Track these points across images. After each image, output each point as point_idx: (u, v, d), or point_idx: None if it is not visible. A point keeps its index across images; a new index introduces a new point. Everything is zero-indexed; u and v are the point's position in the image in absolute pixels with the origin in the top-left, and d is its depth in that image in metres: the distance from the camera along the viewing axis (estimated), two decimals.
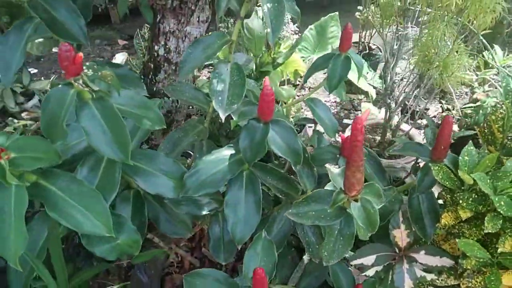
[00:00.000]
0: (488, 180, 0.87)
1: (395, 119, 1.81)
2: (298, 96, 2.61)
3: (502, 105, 1.03)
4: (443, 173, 0.92)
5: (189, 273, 0.90)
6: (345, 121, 2.22)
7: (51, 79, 2.44)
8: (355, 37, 2.60)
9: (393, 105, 1.70)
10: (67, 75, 0.64)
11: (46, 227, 0.82)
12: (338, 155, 0.99)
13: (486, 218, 0.87)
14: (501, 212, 0.85)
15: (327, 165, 0.85)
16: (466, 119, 1.80)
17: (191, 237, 1.53)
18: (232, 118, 0.92)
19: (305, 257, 1.33)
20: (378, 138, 1.82)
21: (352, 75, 2.23)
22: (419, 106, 2.06)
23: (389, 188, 1.05)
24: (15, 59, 0.93)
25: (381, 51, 2.60)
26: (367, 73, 2.30)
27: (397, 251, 1.07)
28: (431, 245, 1.07)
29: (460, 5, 1.23)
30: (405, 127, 1.81)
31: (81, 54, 0.62)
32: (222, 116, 0.88)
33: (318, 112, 1.08)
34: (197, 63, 0.92)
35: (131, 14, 3.38)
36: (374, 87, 2.23)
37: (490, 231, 0.85)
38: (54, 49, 2.21)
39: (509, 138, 0.97)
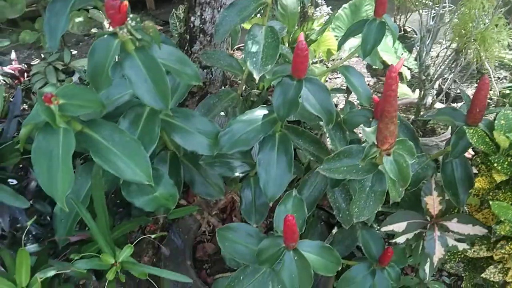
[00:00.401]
0: None
1: (429, 99, 1.78)
2: (330, 79, 2.61)
3: None
4: (478, 136, 0.91)
5: (221, 227, 0.94)
6: None
7: None
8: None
9: (427, 83, 1.67)
10: (112, 23, 0.68)
11: (90, 178, 0.87)
12: (371, 119, 1.00)
13: None
14: None
15: (361, 126, 0.86)
16: (504, 99, 1.74)
17: (223, 208, 1.57)
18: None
19: (334, 230, 1.34)
20: (412, 117, 1.80)
21: (388, 57, 2.21)
22: (455, 90, 2.02)
23: (422, 154, 1.05)
24: (61, 24, 0.97)
25: (416, 34, 2.55)
26: (402, 54, 2.26)
27: (428, 219, 1.07)
28: (463, 214, 1.06)
29: None
30: (439, 106, 1.77)
31: (126, 2, 0.66)
32: (256, 76, 0.90)
33: (351, 80, 1.09)
34: (232, 25, 0.95)
35: (166, 1, 3.45)
36: (409, 68, 2.20)
37: None
38: (93, 30, 2.29)
39: None
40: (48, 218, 0.98)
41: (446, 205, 1.06)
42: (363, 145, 0.81)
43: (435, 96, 1.97)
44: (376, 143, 0.76)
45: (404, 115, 1.83)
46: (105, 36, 0.71)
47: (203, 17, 1.27)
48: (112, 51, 0.71)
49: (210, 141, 0.93)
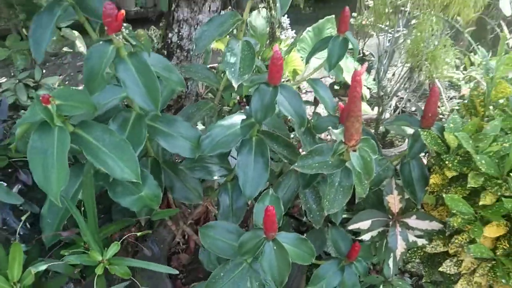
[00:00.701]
0: (471, 142, 0.98)
1: (387, 115, 1.94)
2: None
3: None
4: (431, 138, 1.03)
5: (203, 226, 1.00)
6: None
7: (60, 77, 2.56)
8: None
9: (385, 100, 1.82)
10: (109, 30, 0.75)
11: (78, 179, 0.92)
12: (337, 124, 1.10)
13: (469, 175, 0.98)
14: (482, 169, 0.96)
15: (329, 128, 0.96)
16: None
17: (197, 219, 1.62)
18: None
19: (305, 235, 1.42)
20: (372, 131, 1.94)
21: (349, 77, 2.37)
22: (409, 107, 2.20)
23: (382, 158, 1.16)
24: (46, 36, 1.03)
25: (373, 57, 2.75)
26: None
27: (390, 216, 1.18)
28: (421, 211, 1.18)
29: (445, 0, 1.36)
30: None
31: (123, 11, 0.73)
32: (235, 85, 0.99)
33: (319, 91, 1.20)
34: (211, 39, 1.04)
35: (139, 22, 3.53)
36: (368, 88, 2.37)
37: (473, 186, 0.96)
38: (64, 49, 2.32)
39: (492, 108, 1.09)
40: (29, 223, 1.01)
41: (405, 203, 1.17)
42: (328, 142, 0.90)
43: (392, 112, 2.13)
44: (343, 140, 0.86)
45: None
46: (101, 42, 0.78)
47: (180, 33, 1.36)
48: (107, 56, 0.77)
49: (192, 145, 1.00)
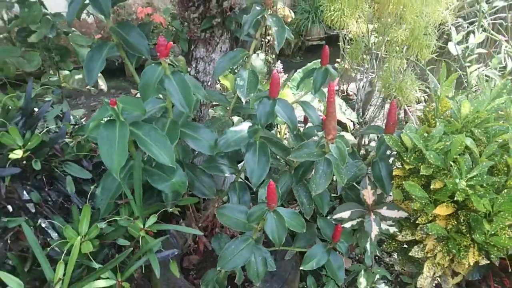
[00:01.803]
0: (421, 141, 1.30)
1: (366, 140, 2.27)
2: None
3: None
4: (393, 141, 1.36)
5: (219, 207, 1.28)
6: None
7: (83, 110, 2.90)
8: (336, 86, 3.15)
9: (364, 126, 2.16)
10: (160, 56, 1.08)
11: (129, 165, 1.22)
12: (321, 131, 1.42)
13: (421, 167, 1.29)
14: (431, 162, 1.28)
15: (315, 131, 1.28)
16: None
17: (206, 226, 1.89)
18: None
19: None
20: None
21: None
22: None
23: (358, 160, 1.48)
24: (96, 68, 1.37)
25: (356, 96, 3.15)
26: (345, 110, 2.81)
27: (366, 208, 1.47)
28: (391, 203, 1.47)
29: (406, 42, 1.75)
30: (373, 144, 2.26)
31: (171, 43, 1.07)
32: (244, 100, 1.32)
33: (308, 111, 1.53)
34: (227, 67, 1.39)
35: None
36: (352, 121, 2.73)
37: (424, 174, 1.27)
38: (87, 87, 2.67)
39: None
40: None
41: (377, 197, 1.47)
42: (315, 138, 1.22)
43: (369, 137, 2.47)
44: (324, 135, 1.18)
45: None
46: (153, 64, 1.12)
47: (197, 68, 1.71)
48: (157, 74, 1.11)
49: (211, 145, 1.31)
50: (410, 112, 2.30)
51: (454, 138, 1.26)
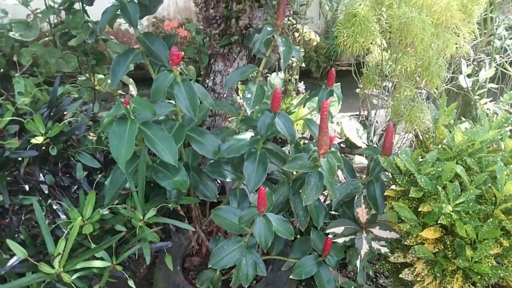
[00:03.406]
0: (414, 165, 1.35)
1: None
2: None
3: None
4: (387, 163, 1.41)
5: (215, 208, 1.37)
6: None
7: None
8: (357, 111, 3.22)
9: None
10: (172, 64, 1.20)
11: (136, 163, 1.33)
12: None
13: (412, 189, 1.33)
14: (422, 185, 1.32)
15: (310, 145, 1.36)
16: None
17: (210, 231, 1.98)
18: None
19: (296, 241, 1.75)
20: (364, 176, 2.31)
21: (351, 134, 2.81)
22: None
23: (356, 179, 1.53)
24: (121, 72, 1.50)
25: (377, 123, 3.19)
26: (362, 134, 2.86)
27: (359, 225, 1.52)
28: (383, 223, 1.51)
29: (416, 71, 1.80)
30: None
31: (182, 53, 1.19)
32: (249, 111, 1.43)
33: (311, 127, 1.61)
34: (236, 81, 1.50)
35: None
36: (367, 145, 2.77)
37: (414, 196, 1.31)
38: (119, 91, 2.86)
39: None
40: None
41: (371, 216, 1.52)
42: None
43: None
44: (316, 149, 1.25)
45: (359, 175, 2.34)
46: (165, 71, 1.24)
47: (215, 80, 1.83)
48: (168, 79, 1.23)
49: (215, 150, 1.41)
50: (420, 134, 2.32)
51: (445, 164, 1.30)
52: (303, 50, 2.81)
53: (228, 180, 1.52)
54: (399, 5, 1.70)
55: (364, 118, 3.16)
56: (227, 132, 1.65)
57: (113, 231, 1.24)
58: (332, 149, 1.30)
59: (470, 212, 1.24)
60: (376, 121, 2.35)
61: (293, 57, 2.83)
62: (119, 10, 1.46)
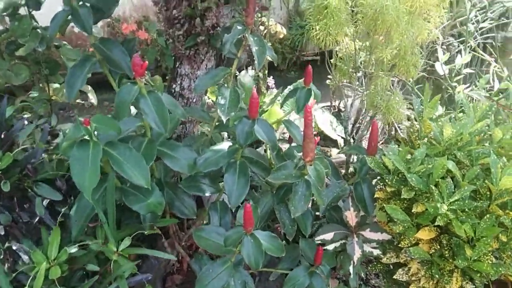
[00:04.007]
0: (403, 163, 1.28)
1: (355, 158, 2.25)
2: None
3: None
4: (375, 162, 1.33)
5: (196, 228, 1.26)
6: None
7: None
8: (328, 102, 3.15)
9: (353, 143, 2.15)
10: (136, 75, 1.06)
11: (104, 186, 1.19)
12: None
13: (403, 190, 1.27)
14: (413, 184, 1.25)
15: (294, 151, 1.26)
16: None
17: (190, 245, 1.86)
18: None
19: None
20: (343, 171, 2.24)
21: (325, 127, 2.74)
22: None
23: (341, 181, 1.45)
24: (77, 84, 1.35)
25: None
26: (336, 127, 2.80)
27: (349, 229, 1.44)
28: (374, 225, 1.44)
29: (392, 61, 1.74)
30: None
31: (146, 62, 1.06)
32: (224, 119, 1.31)
33: (291, 130, 1.51)
34: (207, 86, 1.37)
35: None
36: (342, 137, 2.71)
37: (405, 198, 1.24)
38: (78, 100, 2.66)
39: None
40: None
41: (360, 218, 1.44)
42: (294, 161, 1.20)
43: None
44: (302, 157, 1.16)
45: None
46: (128, 83, 1.10)
47: (182, 85, 1.70)
48: (132, 93, 1.09)
49: (190, 164, 1.29)
50: (400, 129, 2.29)
51: (436, 161, 1.24)
52: (270, 44, 2.69)
53: (207, 194, 1.40)
54: None
55: (337, 110, 3.10)
56: (202, 141, 1.52)
57: (85, 270, 1.10)
58: (317, 154, 1.21)
59: (466, 210, 1.19)
60: (351, 114, 2.29)
61: None
62: (70, 15, 1.30)
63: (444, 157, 1.22)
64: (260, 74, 2.77)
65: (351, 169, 2.25)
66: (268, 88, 2.95)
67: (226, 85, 1.41)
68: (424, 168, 1.27)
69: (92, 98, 2.59)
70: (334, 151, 2.70)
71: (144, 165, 1.13)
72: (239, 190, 1.28)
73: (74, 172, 1.05)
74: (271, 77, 3.01)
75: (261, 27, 2.70)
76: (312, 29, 1.67)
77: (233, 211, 1.30)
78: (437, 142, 1.31)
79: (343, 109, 3.23)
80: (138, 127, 1.23)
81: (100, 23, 3.41)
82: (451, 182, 1.22)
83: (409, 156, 1.34)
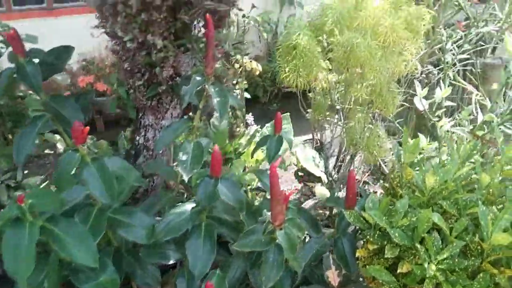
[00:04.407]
0: (384, 217, 1.16)
1: (341, 194, 2.13)
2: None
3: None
4: (354, 217, 1.21)
5: None
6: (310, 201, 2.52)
7: (41, 177, 2.73)
8: (310, 135, 3.05)
9: (336, 183, 2.03)
10: (76, 142, 0.95)
11: (46, 266, 1.05)
12: None
13: (386, 247, 1.14)
14: (397, 241, 1.13)
15: (264, 211, 1.14)
16: None
17: None
18: None
19: None
20: (327, 212, 2.11)
21: (308, 164, 2.63)
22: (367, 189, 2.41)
23: (320, 236, 1.32)
24: (26, 147, 1.23)
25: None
26: (319, 162, 2.68)
27: None
28: (359, 283, 1.31)
29: (369, 99, 1.64)
30: None
31: (87, 128, 0.94)
32: (186, 178, 1.18)
33: (264, 181, 1.39)
34: (169, 141, 1.26)
35: (112, 124, 3.83)
36: (326, 174, 2.59)
37: (389, 256, 1.12)
38: (46, 150, 2.52)
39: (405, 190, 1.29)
40: None
41: (343, 277, 1.31)
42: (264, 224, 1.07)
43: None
44: (271, 221, 1.03)
45: (322, 211, 2.15)
46: (70, 151, 0.98)
47: (146, 136, 1.58)
48: (74, 162, 0.97)
49: (148, 232, 1.16)
50: (384, 164, 2.17)
51: (420, 213, 1.12)
52: (246, 82, 2.61)
53: (171, 262, 1.26)
54: (341, 31, 1.54)
55: (319, 144, 2.99)
56: (167, 199, 1.39)
57: None
58: (289, 216, 1.08)
59: (457, 269, 1.06)
60: (333, 150, 2.18)
61: (235, 90, 2.64)
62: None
63: (428, 210, 1.10)
64: (238, 113, 2.67)
65: (335, 210, 2.12)
66: (247, 125, 2.85)
67: (190, 138, 1.30)
68: (408, 222, 1.15)
69: (61, 147, 2.46)
70: (318, 187, 2.58)
71: (91, 242, 1.00)
72: (205, 257, 1.15)
73: (6, 260, 0.91)
74: (250, 113, 2.92)
75: (236, 65, 2.62)
76: (282, 71, 1.57)
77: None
78: (420, 191, 1.20)
79: (325, 142, 3.14)
80: (86, 196, 1.09)
81: (75, 57, 3.28)
82: (438, 237, 1.10)
83: (391, 206, 1.22)
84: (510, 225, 1.05)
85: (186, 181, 1.19)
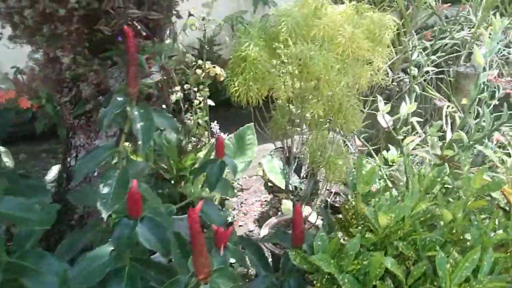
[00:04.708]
0: (333, 260, 1.02)
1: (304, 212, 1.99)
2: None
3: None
4: (300, 258, 1.06)
5: None
6: (273, 219, 2.37)
7: None
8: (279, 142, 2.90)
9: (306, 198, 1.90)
10: None
11: None
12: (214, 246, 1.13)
13: None
14: None
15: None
16: None
17: None
18: None
19: None
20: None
21: (274, 177, 2.48)
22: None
23: (266, 275, 1.17)
24: None
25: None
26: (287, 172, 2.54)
27: None
28: None
29: (328, 115, 1.50)
30: (312, 219, 1.98)
31: None
32: (104, 216, 1.02)
33: (208, 212, 1.23)
34: (87, 170, 1.09)
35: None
36: (295, 186, 2.45)
37: None
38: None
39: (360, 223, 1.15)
40: None
41: None
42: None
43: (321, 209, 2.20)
44: (195, 274, 0.87)
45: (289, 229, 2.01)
46: None
47: (78, 158, 1.41)
48: None
49: (60, 280, 0.99)
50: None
51: (372, 256, 0.98)
52: (208, 90, 2.44)
53: None
54: (296, 41, 1.38)
55: (287, 154, 2.85)
56: (95, 233, 1.22)
57: None
58: (223, 261, 0.93)
59: None
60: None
61: (197, 98, 2.48)
62: None
63: (381, 252, 0.96)
64: (200, 121, 2.50)
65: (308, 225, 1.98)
66: (213, 134, 2.68)
67: (116, 164, 1.14)
68: (359, 265, 1.00)
69: (8, 160, 2.26)
70: (285, 202, 2.43)
71: None
72: None
73: None
74: (215, 121, 2.75)
75: (198, 71, 2.45)
76: (231, 84, 1.41)
77: None
78: (373, 230, 1.05)
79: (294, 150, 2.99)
80: None
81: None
82: (392, 285, 0.96)
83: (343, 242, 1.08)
84: (472, 273, 0.92)
85: (105, 219, 1.02)
